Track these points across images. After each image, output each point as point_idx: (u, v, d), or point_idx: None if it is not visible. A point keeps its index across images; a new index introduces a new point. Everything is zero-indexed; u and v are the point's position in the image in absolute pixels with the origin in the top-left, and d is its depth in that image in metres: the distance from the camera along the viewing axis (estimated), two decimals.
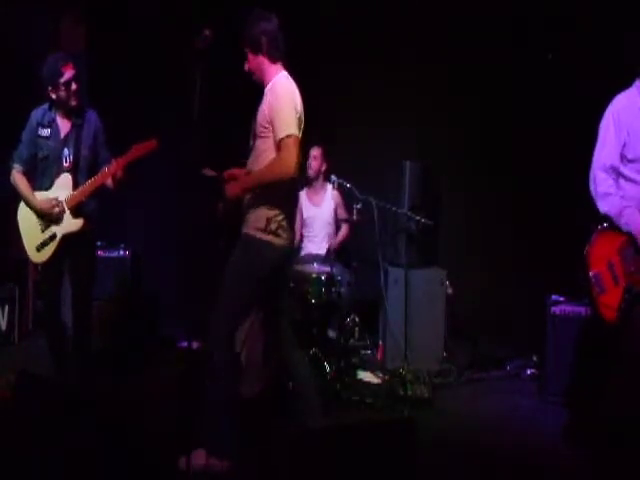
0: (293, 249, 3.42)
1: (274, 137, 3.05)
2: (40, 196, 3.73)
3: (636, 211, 2.98)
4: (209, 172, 3.20)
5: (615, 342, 3.09)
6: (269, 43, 3.14)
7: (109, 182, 3.72)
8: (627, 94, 3.12)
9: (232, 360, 3.21)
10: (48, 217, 3.69)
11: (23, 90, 5.11)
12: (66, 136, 3.74)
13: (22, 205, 3.81)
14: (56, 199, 3.69)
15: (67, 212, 3.70)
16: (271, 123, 3.06)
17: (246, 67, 3.23)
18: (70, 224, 3.70)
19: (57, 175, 3.73)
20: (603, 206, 3.04)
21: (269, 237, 3.12)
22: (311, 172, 5.10)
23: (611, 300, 2.99)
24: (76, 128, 3.74)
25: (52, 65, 3.63)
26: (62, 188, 3.72)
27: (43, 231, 3.73)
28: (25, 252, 3.81)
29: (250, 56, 3.19)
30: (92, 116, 3.83)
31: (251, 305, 3.29)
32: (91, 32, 5.78)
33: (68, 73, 3.62)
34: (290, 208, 3.21)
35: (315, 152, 5.04)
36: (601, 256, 3.04)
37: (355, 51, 5.80)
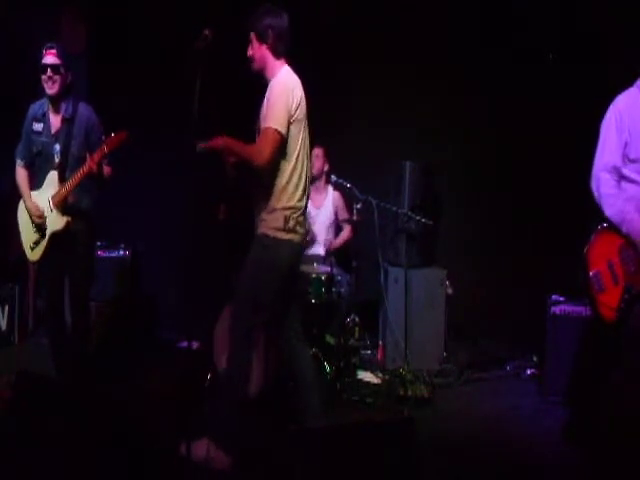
0: (306, 242, 3.43)
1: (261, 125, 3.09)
2: (34, 196, 3.78)
3: (637, 216, 2.97)
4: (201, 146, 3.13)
5: (615, 342, 3.09)
6: (275, 37, 3.16)
7: (106, 171, 3.72)
8: (628, 94, 3.11)
9: (250, 359, 3.21)
10: (33, 220, 3.74)
11: (23, 90, 5.12)
12: (57, 132, 3.74)
13: (20, 203, 3.84)
14: (42, 212, 3.71)
15: (54, 210, 3.70)
16: (264, 114, 3.09)
17: (249, 52, 3.23)
18: (56, 222, 3.71)
19: (48, 172, 3.74)
20: (607, 210, 3.02)
21: (289, 236, 3.15)
22: (314, 171, 5.10)
23: (610, 300, 2.98)
24: (67, 123, 3.73)
25: (42, 48, 3.68)
26: (50, 186, 3.74)
27: (35, 231, 3.77)
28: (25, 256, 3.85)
29: (255, 43, 3.20)
30: (85, 111, 3.79)
31: (273, 302, 3.26)
32: (91, 32, 5.78)
33: (46, 58, 3.63)
34: (304, 202, 3.23)
35: (317, 151, 5.03)
36: (601, 255, 3.03)
37: (355, 51, 5.80)
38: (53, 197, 3.70)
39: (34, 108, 3.80)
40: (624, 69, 3.20)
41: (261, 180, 3.17)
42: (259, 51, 3.19)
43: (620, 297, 2.96)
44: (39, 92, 3.77)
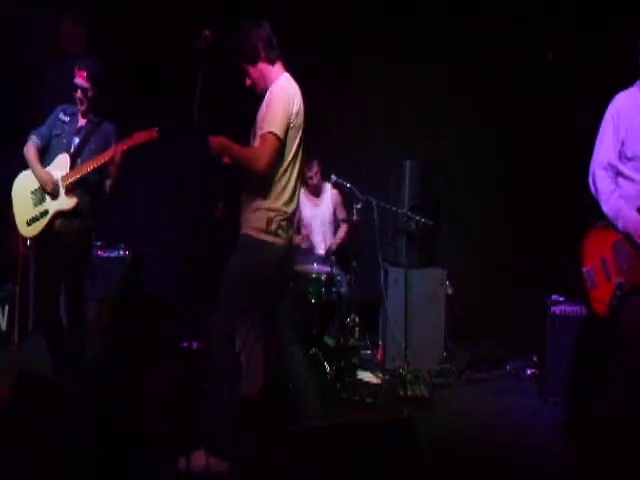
0: (293, 247, 3.42)
1: (260, 130, 3.08)
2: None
3: (631, 211, 2.98)
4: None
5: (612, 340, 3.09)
6: (265, 48, 3.16)
7: (112, 169, 3.74)
8: (628, 92, 3.12)
9: (234, 360, 3.20)
10: (42, 189, 3.75)
11: (23, 90, 5.12)
12: (81, 127, 3.87)
13: (17, 179, 3.88)
14: (56, 178, 3.74)
15: (62, 190, 3.74)
16: (263, 119, 3.09)
17: (248, 82, 3.24)
18: (63, 202, 3.74)
19: (59, 154, 3.81)
20: (603, 206, 3.06)
21: (269, 237, 3.12)
22: (315, 182, 5.14)
23: (602, 295, 3.02)
24: (91, 124, 3.87)
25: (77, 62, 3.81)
26: (59, 167, 3.78)
27: (36, 206, 3.79)
28: (17, 237, 3.88)
29: (250, 69, 3.20)
30: (109, 127, 3.91)
31: (253, 305, 3.28)
32: (91, 32, 5.78)
33: (77, 79, 3.76)
34: (291, 208, 3.20)
35: (314, 169, 5.07)
36: (595, 252, 3.07)
37: (355, 51, 5.81)
38: (65, 177, 3.74)
39: (65, 106, 3.92)
40: (625, 68, 3.20)
41: (250, 180, 3.16)
42: (256, 71, 3.19)
43: (612, 293, 2.98)
44: (38, 94, 3.80)
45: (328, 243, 5.12)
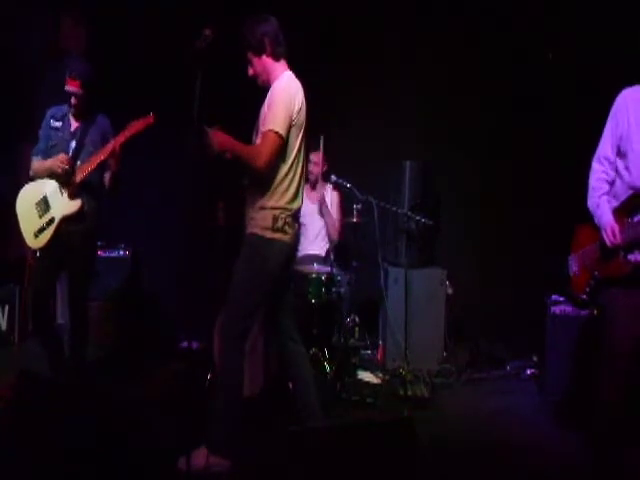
0: (297, 243, 3.42)
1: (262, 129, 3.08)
2: (41, 183, 3.82)
3: (607, 211, 3.01)
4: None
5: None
6: (271, 43, 3.17)
7: (111, 163, 3.75)
8: (633, 88, 3.09)
9: (242, 360, 3.21)
10: (56, 174, 3.73)
11: (23, 90, 5.12)
12: (75, 130, 3.84)
13: (21, 193, 3.87)
14: (66, 158, 3.74)
15: (64, 194, 3.74)
16: (265, 117, 3.09)
17: (250, 72, 3.24)
18: (67, 206, 3.74)
19: None
20: (587, 201, 3.13)
21: (277, 235, 3.14)
22: (311, 177, 5.08)
23: (580, 282, 3.14)
24: (85, 124, 3.85)
25: (66, 68, 3.76)
26: None
27: (41, 217, 3.79)
28: (25, 248, 3.87)
29: (254, 59, 3.20)
30: (103, 119, 3.90)
31: (263, 303, 3.28)
32: (91, 32, 5.78)
33: (69, 87, 3.73)
34: (295, 205, 3.22)
35: (316, 158, 4.99)
36: (581, 243, 3.19)
37: (355, 51, 5.80)
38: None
39: (52, 110, 3.90)
40: (625, 68, 3.19)
41: (254, 179, 3.17)
42: (260, 64, 3.20)
43: (586, 281, 3.09)
44: (38, 94, 3.79)
45: (322, 243, 5.07)
